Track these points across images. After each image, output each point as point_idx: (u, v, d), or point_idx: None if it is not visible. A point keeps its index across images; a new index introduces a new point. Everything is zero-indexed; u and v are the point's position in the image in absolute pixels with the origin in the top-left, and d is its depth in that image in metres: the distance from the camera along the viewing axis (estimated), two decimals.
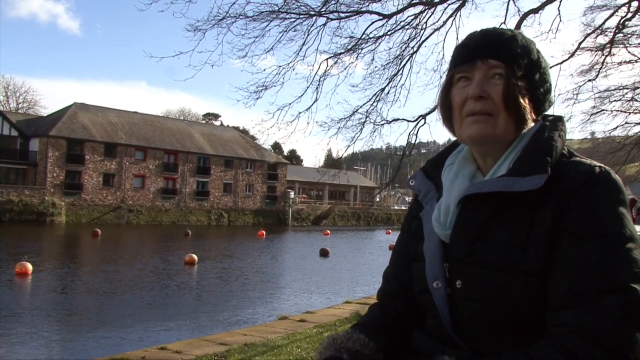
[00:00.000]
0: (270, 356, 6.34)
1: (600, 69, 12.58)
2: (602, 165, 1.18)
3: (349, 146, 10.24)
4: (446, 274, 1.23)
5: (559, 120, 1.30)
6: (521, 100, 1.21)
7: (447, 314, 1.23)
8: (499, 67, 1.22)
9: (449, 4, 9.05)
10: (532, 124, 1.28)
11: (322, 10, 8.82)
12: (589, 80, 13.37)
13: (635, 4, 9.69)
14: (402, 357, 1.32)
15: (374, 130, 9.89)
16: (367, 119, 9.72)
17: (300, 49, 9.07)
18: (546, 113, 1.33)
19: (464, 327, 1.21)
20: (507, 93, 1.20)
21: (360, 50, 9.33)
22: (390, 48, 9.57)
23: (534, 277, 1.11)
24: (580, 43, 10.71)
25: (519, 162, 1.20)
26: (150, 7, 8.58)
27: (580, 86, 13.66)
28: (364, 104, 9.67)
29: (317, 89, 9.48)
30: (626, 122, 17.85)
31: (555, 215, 1.12)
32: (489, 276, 1.15)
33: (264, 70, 9.27)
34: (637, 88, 16.14)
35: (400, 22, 9.16)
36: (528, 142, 1.23)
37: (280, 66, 9.16)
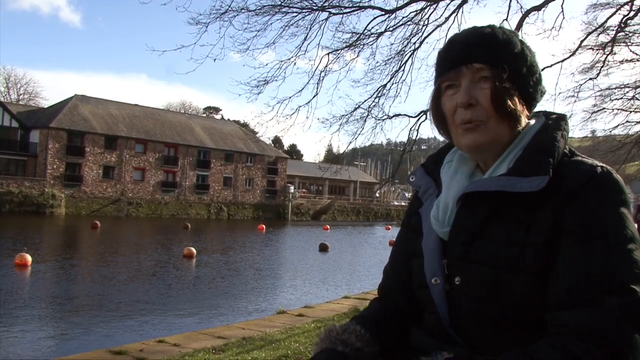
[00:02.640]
0: (268, 350, 6.35)
1: (602, 67, 12.56)
2: (604, 165, 1.17)
3: (350, 142, 10.25)
4: (445, 271, 1.23)
5: (561, 119, 1.28)
6: (510, 102, 1.19)
7: (445, 311, 1.23)
8: (484, 70, 1.20)
9: (451, 0, 9.04)
10: (530, 121, 1.27)
11: (324, 4, 8.80)
12: (590, 79, 13.36)
13: (637, 2, 9.66)
14: (400, 353, 1.32)
15: (375, 126, 9.92)
16: (369, 114, 9.73)
17: (302, 44, 9.07)
18: (549, 111, 1.32)
19: (462, 324, 1.21)
20: (495, 97, 1.18)
21: (362, 46, 9.33)
22: (392, 44, 9.56)
23: (533, 276, 1.11)
24: (582, 41, 10.68)
25: (520, 162, 1.19)
26: (152, 0, 8.58)
27: (581, 84, 13.66)
28: (365, 100, 9.68)
29: (317, 83, 9.48)
30: (627, 121, 17.88)
31: (556, 214, 1.12)
32: (488, 274, 1.15)
33: (266, 64, 9.31)
34: (638, 87, 16.13)
35: (402, 17, 9.15)
36: (530, 142, 1.22)
37: (282, 61, 9.18)
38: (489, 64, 1.20)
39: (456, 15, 9.09)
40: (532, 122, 1.28)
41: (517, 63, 1.21)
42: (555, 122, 1.26)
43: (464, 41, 1.24)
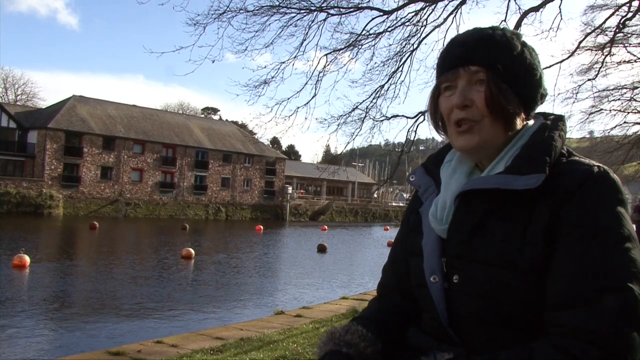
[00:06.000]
0: (266, 351, 6.35)
1: (600, 68, 12.60)
2: (601, 165, 1.17)
3: (348, 142, 10.25)
4: (443, 269, 1.23)
5: (559, 119, 1.29)
6: (505, 104, 1.20)
7: (443, 309, 1.23)
8: (480, 72, 1.20)
9: (450, 1, 9.05)
10: (528, 122, 1.28)
11: (323, 5, 8.81)
12: (589, 80, 13.40)
13: (635, 3, 9.68)
14: (398, 353, 1.32)
15: (374, 126, 9.91)
16: (367, 115, 9.73)
17: (301, 45, 9.07)
18: (547, 112, 1.33)
19: (460, 323, 1.21)
20: (489, 99, 1.19)
21: (360, 47, 9.33)
22: (391, 44, 9.57)
23: (530, 274, 1.11)
24: (580, 42, 10.71)
25: (517, 160, 1.19)
26: (149, 1, 8.57)
27: (579, 85, 13.69)
28: (363, 101, 9.69)
29: (316, 84, 9.48)
30: (624, 122, 17.94)
31: (553, 213, 1.12)
32: (485, 272, 1.15)
33: (265, 66, 9.28)
34: (636, 88, 16.18)
35: (401, 18, 9.16)
36: (527, 141, 1.23)
37: (282, 62, 9.18)
38: (485, 67, 1.20)
39: (455, 16, 9.11)
40: (531, 122, 1.28)
41: (514, 64, 1.21)
42: (553, 122, 1.27)
43: (463, 43, 1.25)
